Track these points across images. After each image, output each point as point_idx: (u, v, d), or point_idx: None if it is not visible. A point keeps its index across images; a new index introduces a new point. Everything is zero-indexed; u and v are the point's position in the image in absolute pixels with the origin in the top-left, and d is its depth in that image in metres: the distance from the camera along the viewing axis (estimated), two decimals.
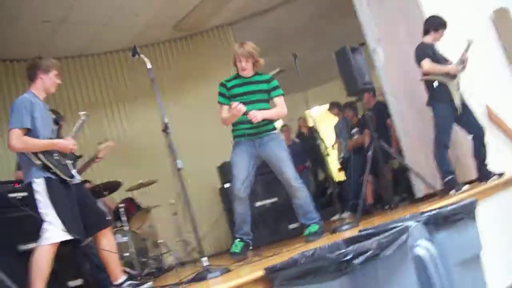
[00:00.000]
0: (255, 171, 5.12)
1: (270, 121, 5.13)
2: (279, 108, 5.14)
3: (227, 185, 6.89)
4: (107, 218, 4.42)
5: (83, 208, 4.15)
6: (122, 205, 6.26)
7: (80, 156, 4.45)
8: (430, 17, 5.60)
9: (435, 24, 5.53)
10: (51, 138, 4.05)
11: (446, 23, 5.52)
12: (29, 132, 3.91)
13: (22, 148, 3.88)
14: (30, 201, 3.89)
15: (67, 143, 4.10)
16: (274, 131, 5.19)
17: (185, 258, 6.95)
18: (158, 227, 7.78)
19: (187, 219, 6.42)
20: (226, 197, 6.97)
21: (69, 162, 4.14)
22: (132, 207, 6.57)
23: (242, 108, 4.78)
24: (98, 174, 7.62)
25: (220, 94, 5.25)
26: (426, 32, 5.56)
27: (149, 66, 4.46)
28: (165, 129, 4.27)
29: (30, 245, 4.62)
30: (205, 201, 8.27)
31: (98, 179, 6.97)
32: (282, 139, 5.49)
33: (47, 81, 4.19)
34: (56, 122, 4.31)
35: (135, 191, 7.21)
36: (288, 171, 4.99)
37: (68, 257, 4.26)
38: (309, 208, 5.00)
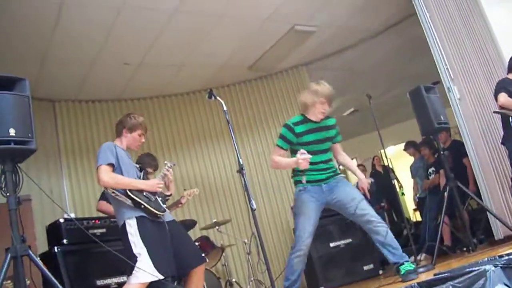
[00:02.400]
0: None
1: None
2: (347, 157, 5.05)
3: None
4: (202, 255, 4.43)
5: (178, 245, 4.20)
6: (197, 243, 6.35)
7: (170, 195, 4.54)
8: None
9: None
10: None
11: None
12: (115, 171, 4.08)
13: (111, 183, 4.01)
14: (125, 243, 3.98)
15: (152, 182, 4.21)
16: (340, 175, 4.91)
17: None
18: (232, 266, 7.83)
19: (261, 258, 6.48)
20: None
21: (158, 198, 4.23)
22: (207, 245, 6.64)
23: (308, 159, 4.42)
24: (173, 213, 7.79)
25: (283, 138, 4.78)
26: (510, 70, 5.45)
27: (225, 108, 4.55)
28: (240, 170, 4.30)
29: (107, 280, 4.79)
30: (279, 241, 8.30)
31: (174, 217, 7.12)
32: None
33: (130, 140, 4.42)
34: (141, 169, 4.46)
35: (210, 230, 7.31)
36: (366, 207, 4.65)
37: None
38: (396, 244, 4.61)
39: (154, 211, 4.06)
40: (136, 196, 4.01)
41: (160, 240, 4.03)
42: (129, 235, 3.95)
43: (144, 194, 4.10)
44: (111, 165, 4.07)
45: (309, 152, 4.45)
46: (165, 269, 3.90)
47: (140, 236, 3.93)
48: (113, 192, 4.07)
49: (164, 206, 4.25)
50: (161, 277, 3.83)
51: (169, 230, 4.17)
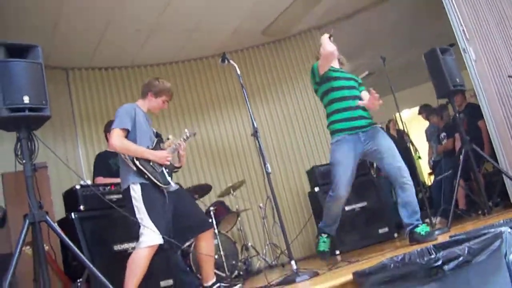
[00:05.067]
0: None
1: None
2: None
3: (316, 189, 6.87)
4: (209, 221, 4.45)
5: (183, 210, 4.26)
6: (213, 208, 6.40)
7: (180, 167, 4.56)
8: None
9: None
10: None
11: None
12: (129, 136, 4.12)
13: (120, 148, 4.06)
14: (128, 206, 4.05)
15: (161, 154, 4.22)
16: (377, 124, 4.91)
17: (274, 261, 7.01)
18: (247, 230, 7.90)
19: (276, 222, 6.52)
20: (315, 201, 6.96)
21: (165, 170, 4.25)
22: (222, 210, 6.70)
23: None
24: (189, 177, 7.85)
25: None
26: None
27: (238, 72, 4.54)
28: (255, 134, 4.30)
29: (124, 245, 4.85)
30: (294, 205, 8.34)
31: (189, 182, 7.16)
32: None
33: (154, 103, 4.45)
34: (157, 134, 4.47)
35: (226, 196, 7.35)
36: (402, 162, 4.69)
37: (160, 257, 4.38)
38: (417, 208, 4.62)
39: (157, 183, 4.09)
40: (142, 165, 4.05)
41: (161, 208, 4.08)
42: (132, 199, 4.01)
43: (151, 164, 4.13)
44: (125, 130, 4.11)
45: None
46: (165, 235, 3.98)
47: (143, 201, 3.98)
48: (122, 154, 4.12)
49: (170, 178, 4.27)
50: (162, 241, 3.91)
51: (174, 197, 4.24)
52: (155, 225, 3.92)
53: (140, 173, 4.05)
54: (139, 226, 3.92)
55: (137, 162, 4.04)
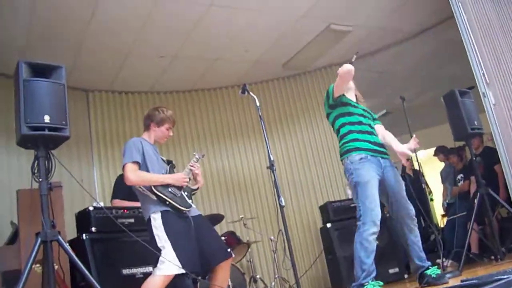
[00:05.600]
0: None
1: None
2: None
3: (328, 225, 6.84)
4: (229, 250, 4.33)
5: (204, 240, 4.17)
6: (224, 237, 6.37)
7: (197, 188, 4.54)
8: None
9: None
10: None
11: None
12: (140, 169, 4.11)
13: (136, 181, 4.05)
14: (150, 237, 4.00)
15: (178, 176, 4.20)
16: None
17: None
18: (257, 262, 7.85)
19: (286, 256, 6.48)
20: (327, 237, 6.91)
21: (184, 193, 4.23)
22: (233, 240, 6.66)
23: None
24: (201, 206, 7.85)
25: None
26: None
27: (257, 103, 4.56)
28: (271, 167, 4.29)
29: (133, 270, 4.83)
30: (305, 240, 8.29)
31: (201, 212, 7.15)
32: None
33: (158, 133, 4.45)
34: (168, 161, 4.47)
35: (237, 225, 7.33)
36: (409, 203, 4.51)
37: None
38: (421, 248, 4.51)
39: (179, 207, 4.07)
40: (161, 192, 4.03)
41: (185, 235, 4.02)
42: (153, 228, 3.97)
43: (170, 189, 4.11)
44: (137, 163, 4.10)
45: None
46: (189, 264, 3.89)
47: (165, 229, 3.94)
48: (139, 187, 4.11)
49: (190, 201, 4.25)
50: (183, 271, 3.83)
51: (194, 225, 4.15)
52: (177, 254, 3.86)
53: (160, 200, 4.03)
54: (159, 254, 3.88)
55: (155, 190, 4.02)
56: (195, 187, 4.48)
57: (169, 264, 3.82)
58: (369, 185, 4.30)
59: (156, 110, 4.48)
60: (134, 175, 4.04)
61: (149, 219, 4.03)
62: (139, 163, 4.11)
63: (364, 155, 4.43)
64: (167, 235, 3.92)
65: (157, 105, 7.93)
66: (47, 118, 3.49)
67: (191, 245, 4.02)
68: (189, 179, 4.35)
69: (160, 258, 3.86)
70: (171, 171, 4.33)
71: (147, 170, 4.13)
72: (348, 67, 4.44)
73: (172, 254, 3.85)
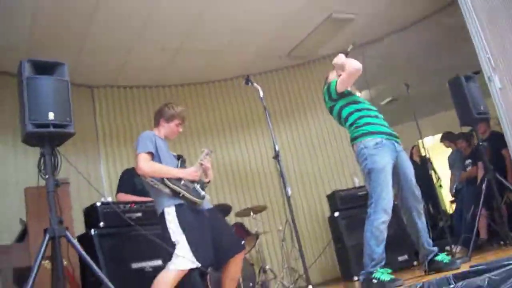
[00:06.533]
0: None
1: None
2: None
3: (336, 214, 6.82)
4: (242, 243, 4.33)
5: (218, 233, 4.16)
6: (232, 229, 6.38)
7: (208, 182, 4.54)
8: None
9: None
10: None
11: None
12: (153, 160, 4.10)
13: (149, 170, 4.04)
14: (163, 232, 3.99)
15: (190, 171, 4.21)
16: None
17: (291, 285, 6.96)
18: (265, 253, 7.85)
19: (294, 246, 6.49)
20: (335, 226, 6.91)
21: (197, 186, 4.21)
22: (242, 232, 6.68)
23: None
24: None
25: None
26: None
27: (261, 94, 4.55)
28: (276, 156, 4.29)
29: (142, 264, 4.85)
30: (314, 229, 8.29)
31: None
32: None
33: (168, 129, 4.45)
34: (179, 156, 4.47)
35: (245, 217, 7.34)
36: (418, 188, 4.44)
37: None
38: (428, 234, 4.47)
39: (193, 198, 4.05)
40: (174, 185, 4.01)
41: (199, 228, 4.01)
42: (167, 222, 3.96)
43: (182, 182, 4.09)
44: (150, 153, 4.10)
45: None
46: (204, 257, 3.88)
47: (179, 223, 3.93)
48: (151, 181, 4.09)
49: (203, 192, 4.23)
50: (199, 264, 3.83)
51: (208, 218, 4.16)
52: (191, 248, 3.84)
53: (174, 193, 4.02)
54: (174, 247, 3.87)
55: (168, 183, 4.01)
56: (206, 180, 4.48)
57: (184, 258, 3.81)
58: (384, 172, 4.20)
59: (166, 106, 4.49)
60: (147, 165, 4.03)
61: (163, 213, 4.01)
62: (153, 154, 4.11)
63: (379, 139, 4.31)
64: (181, 229, 3.91)
65: (162, 99, 8.03)
66: (51, 115, 3.50)
67: (206, 239, 4.02)
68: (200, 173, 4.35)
69: (175, 252, 3.84)
70: (182, 165, 4.33)
71: (160, 162, 4.13)
72: (358, 66, 4.37)
73: (187, 248, 3.84)
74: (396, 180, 4.37)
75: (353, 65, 4.40)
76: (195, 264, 3.82)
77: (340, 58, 4.64)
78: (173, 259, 3.85)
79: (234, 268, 4.23)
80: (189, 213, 4.02)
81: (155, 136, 4.28)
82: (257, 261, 7.27)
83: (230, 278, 4.21)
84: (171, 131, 4.46)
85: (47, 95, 3.55)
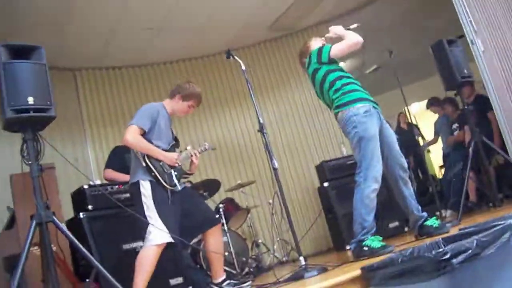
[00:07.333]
0: None
1: None
2: None
3: (325, 184, 6.82)
4: (216, 217, 4.46)
5: (189, 209, 4.26)
6: (222, 205, 6.39)
7: (190, 174, 4.55)
8: None
9: None
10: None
11: None
12: (145, 135, 4.14)
13: (131, 143, 4.07)
14: (136, 202, 4.07)
15: (170, 156, 4.22)
16: None
17: (285, 257, 7.00)
18: (257, 227, 7.88)
19: (284, 218, 6.50)
20: (325, 196, 6.92)
21: (174, 173, 4.24)
22: (232, 207, 6.68)
23: None
24: (198, 174, 7.83)
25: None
26: None
27: (243, 67, 4.53)
28: (261, 129, 4.29)
29: (133, 244, 4.85)
30: (304, 201, 8.31)
31: (198, 179, 7.15)
32: None
33: (180, 106, 4.49)
34: (176, 139, 4.49)
35: (235, 192, 7.34)
36: (402, 156, 4.47)
37: (169, 255, 4.39)
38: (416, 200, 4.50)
39: (162, 182, 4.10)
40: (151, 163, 4.08)
41: (170, 208, 4.09)
42: (142, 196, 4.03)
43: (161, 164, 4.15)
44: (142, 129, 4.12)
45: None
46: (174, 232, 3.97)
47: (153, 199, 4.00)
48: (135, 151, 4.15)
49: (176, 181, 4.24)
50: (172, 240, 3.91)
51: (180, 197, 4.23)
52: (164, 223, 3.93)
53: (148, 170, 4.07)
54: (147, 224, 3.92)
55: (147, 159, 4.07)
56: (188, 172, 4.49)
57: (158, 232, 3.88)
58: (374, 140, 4.22)
59: (187, 84, 4.55)
60: (131, 137, 4.06)
61: (138, 183, 4.07)
62: (144, 131, 4.13)
63: (368, 106, 4.30)
64: (154, 204, 3.98)
65: (145, 78, 8.03)
66: (31, 100, 3.45)
67: (174, 215, 4.09)
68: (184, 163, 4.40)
69: (148, 229, 3.91)
70: (171, 149, 4.34)
71: (151, 140, 4.16)
72: (361, 39, 4.48)
73: (159, 223, 3.92)
74: (381, 150, 4.34)
75: (355, 37, 4.51)
76: (170, 238, 3.90)
77: (341, 30, 4.66)
78: (147, 235, 3.92)
79: (213, 241, 4.32)
80: (161, 191, 4.08)
81: (160, 110, 4.30)
82: (249, 236, 7.29)
83: (212, 250, 4.30)
84: (182, 110, 4.52)
85: (26, 79, 3.49)
